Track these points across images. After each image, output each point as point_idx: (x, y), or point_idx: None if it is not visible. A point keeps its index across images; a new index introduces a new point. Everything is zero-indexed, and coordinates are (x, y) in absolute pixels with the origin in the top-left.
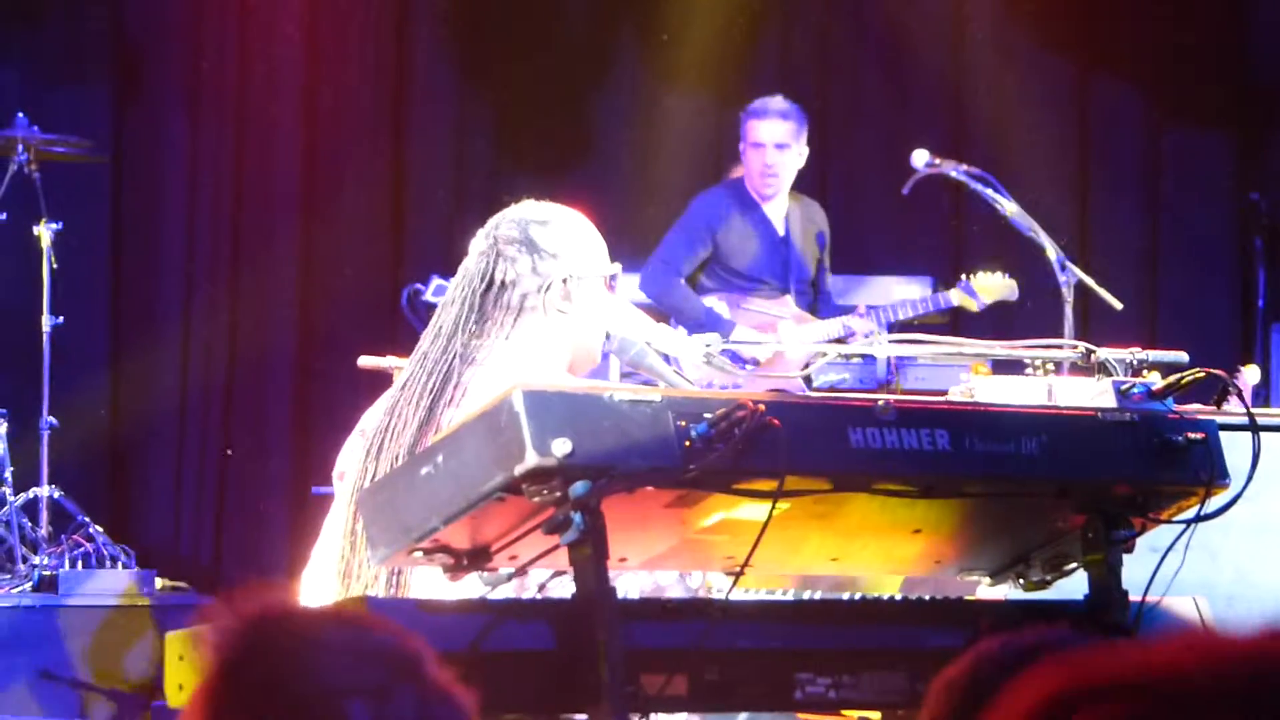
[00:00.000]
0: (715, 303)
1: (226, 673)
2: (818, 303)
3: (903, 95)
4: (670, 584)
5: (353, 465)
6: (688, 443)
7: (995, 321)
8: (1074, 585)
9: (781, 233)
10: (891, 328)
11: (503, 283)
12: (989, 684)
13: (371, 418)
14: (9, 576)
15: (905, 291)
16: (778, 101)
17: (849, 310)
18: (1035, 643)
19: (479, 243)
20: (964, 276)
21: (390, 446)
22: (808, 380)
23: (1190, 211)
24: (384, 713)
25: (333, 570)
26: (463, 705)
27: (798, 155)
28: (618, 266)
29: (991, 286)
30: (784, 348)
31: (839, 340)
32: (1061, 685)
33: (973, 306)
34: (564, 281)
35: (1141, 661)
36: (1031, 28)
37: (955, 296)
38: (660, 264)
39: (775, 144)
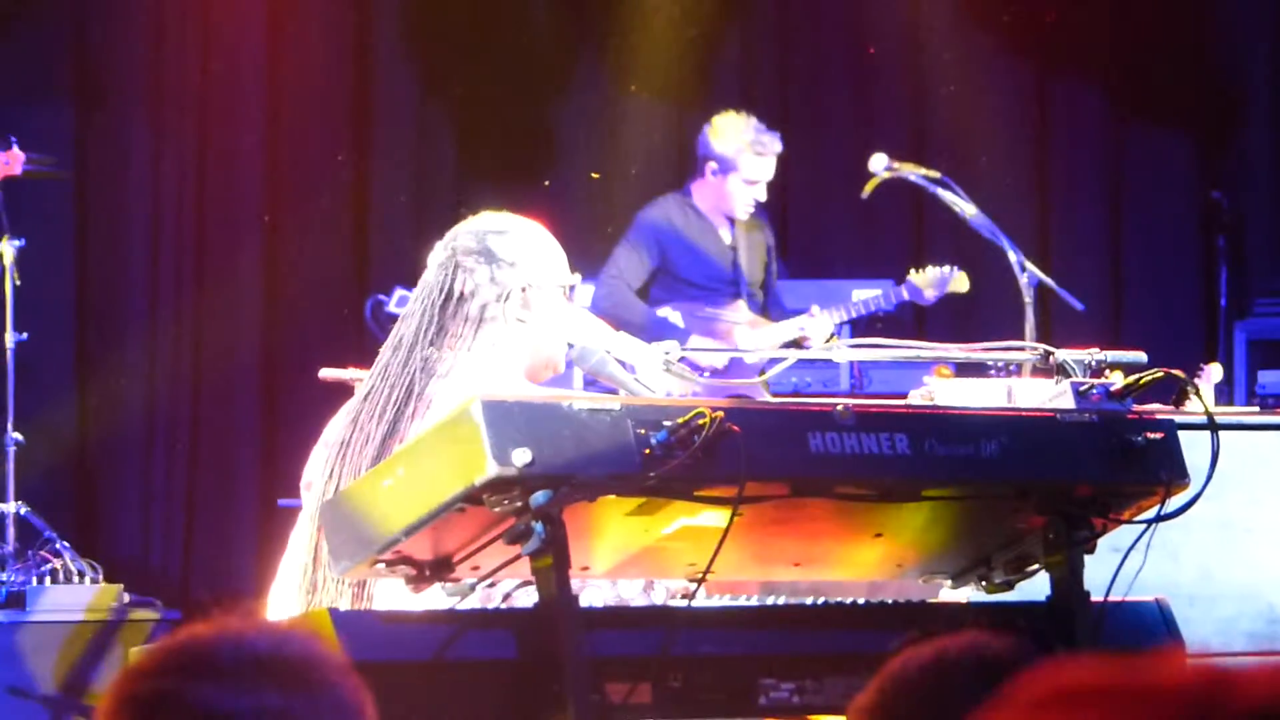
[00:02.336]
0: (669, 313)
1: (120, 699)
2: (767, 306)
3: (863, 99)
4: (634, 595)
5: (317, 476)
6: (647, 450)
7: (957, 324)
8: (1036, 587)
9: (728, 240)
10: (850, 327)
11: (461, 294)
12: (895, 705)
13: (334, 428)
14: None
15: (862, 293)
16: (777, 141)
17: (801, 312)
18: (934, 656)
19: (437, 254)
20: (911, 271)
21: (353, 459)
22: (767, 385)
23: (1152, 211)
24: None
25: (297, 583)
26: (364, 716)
27: None
28: (577, 277)
29: (933, 279)
30: (742, 353)
31: (795, 344)
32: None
33: (925, 299)
34: (523, 290)
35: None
36: (991, 29)
37: (903, 293)
38: (610, 279)
39: (768, 181)
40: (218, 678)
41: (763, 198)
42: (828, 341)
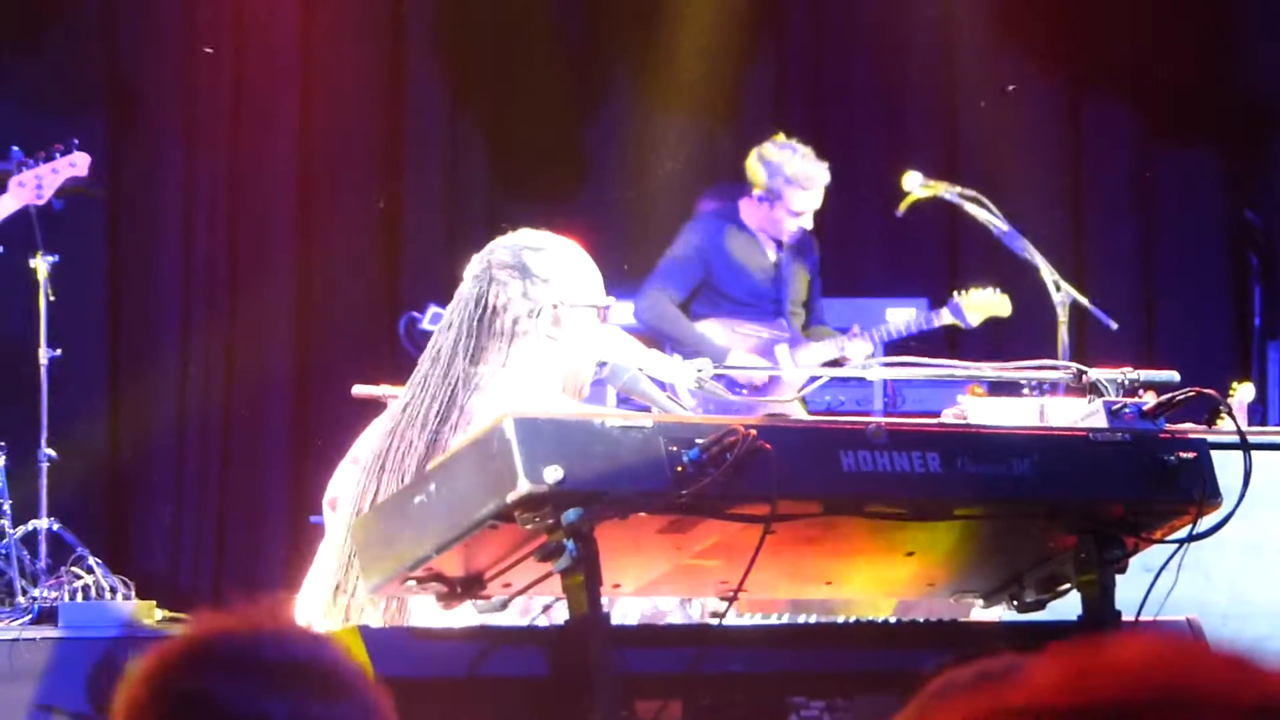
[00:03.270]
0: (710, 327)
1: (150, 691)
2: (810, 324)
3: (896, 118)
4: (671, 609)
5: (346, 491)
6: (679, 468)
7: (991, 342)
8: (1068, 606)
9: (773, 257)
10: (886, 348)
11: (495, 307)
12: None
13: (365, 444)
14: (9, 609)
15: (899, 313)
16: (823, 173)
17: (843, 331)
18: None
19: (473, 267)
20: (955, 293)
21: (393, 468)
22: (804, 402)
23: (1185, 230)
24: (258, 714)
25: (328, 597)
26: (358, 707)
27: None
28: (611, 300)
29: (980, 304)
30: (779, 371)
31: (835, 362)
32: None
33: (963, 324)
34: (554, 307)
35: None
36: (1023, 49)
37: (944, 316)
38: (654, 290)
39: (810, 214)
40: (259, 677)
41: (809, 226)
42: (866, 360)
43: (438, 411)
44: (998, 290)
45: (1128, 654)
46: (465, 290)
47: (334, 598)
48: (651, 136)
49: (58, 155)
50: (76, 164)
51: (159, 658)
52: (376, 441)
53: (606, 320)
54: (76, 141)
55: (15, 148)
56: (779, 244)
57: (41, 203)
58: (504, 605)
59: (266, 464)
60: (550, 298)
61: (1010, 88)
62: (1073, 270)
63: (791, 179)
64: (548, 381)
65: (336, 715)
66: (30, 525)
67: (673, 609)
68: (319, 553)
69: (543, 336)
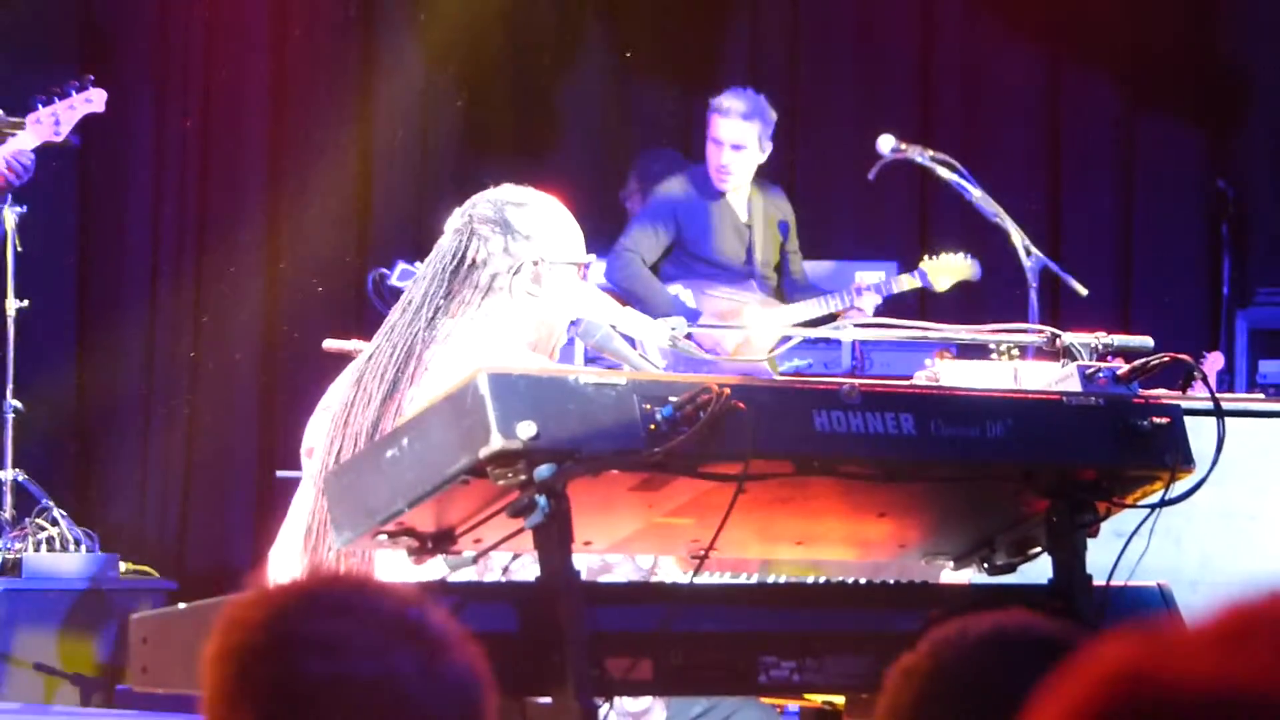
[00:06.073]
0: (680, 290)
1: (260, 634)
2: (783, 288)
3: (871, 82)
4: (618, 562)
5: (319, 441)
6: (653, 426)
7: (962, 308)
8: (1038, 570)
9: (744, 219)
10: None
11: (474, 261)
12: (950, 671)
13: (335, 392)
14: None
15: (869, 275)
16: (741, 102)
17: (822, 293)
18: (992, 628)
19: (454, 220)
20: (925, 257)
21: (355, 419)
22: (773, 364)
23: (1161, 199)
24: (387, 664)
25: (299, 548)
26: (467, 662)
27: (756, 155)
28: (591, 257)
29: (947, 267)
30: (750, 332)
31: (823, 320)
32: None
33: (935, 288)
34: (534, 264)
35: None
36: (1001, 16)
37: (903, 282)
38: (625, 251)
39: (732, 144)
40: (384, 628)
41: (733, 168)
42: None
43: (396, 361)
44: (966, 255)
45: None
46: (444, 243)
47: (305, 547)
48: (625, 97)
49: (73, 92)
50: (93, 100)
51: (271, 603)
52: (343, 391)
53: (586, 278)
54: (92, 78)
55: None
56: (750, 204)
57: (59, 139)
58: (475, 560)
59: (233, 418)
60: (531, 254)
61: None
62: (1049, 238)
63: (714, 106)
64: (516, 338)
65: (452, 672)
66: None
67: (620, 561)
68: (294, 502)
69: (522, 293)
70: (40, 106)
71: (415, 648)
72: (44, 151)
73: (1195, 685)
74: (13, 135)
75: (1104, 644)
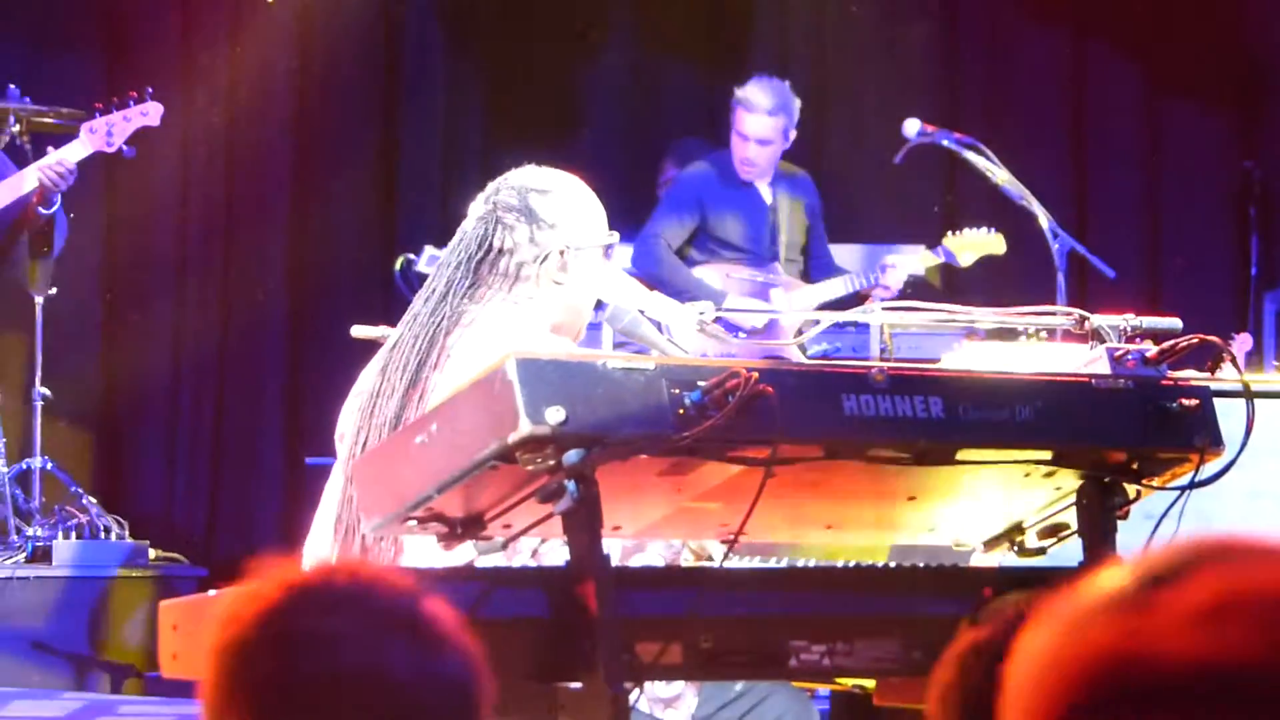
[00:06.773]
0: (705, 273)
1: (253, 630)
2: (810, 270)
3: (898, 66)
4: (652, 542)
5: (350, 427)
6: (681, 410)
7: (990, 292)
8: (1069, 552)
9: (769, 202)
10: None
11: (499, 249)
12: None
13: (366, 378)
14: (2, 548)
15: (897, 259)
16: (766, 97)
17: (848, 274)
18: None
19: (478, 207)
20: (949, 233)
21: (379, 411)
22: (802, 348)
23: (1188, 181)
24: (380, 659)
25: (329, 535)
26: (461, 654)
27: (780, 146)
28: (615, 235)
29: (972, 242)
30: (778, 314)
31: (843, 304)
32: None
33: (959, 262)
34: (560, 253)
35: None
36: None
37: (927, 258)
38: (650, 237)
39: (757, 140)
40: (377, 623)
41: (757, 160)
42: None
43: (420, 351)
44: (991, 230)
45: None
46: (468, 229)
47: (336, 536)
48: (650, 82)
49: (131, 103)
50: (149, 113)
51: (263, 598)
52: (372, 378)
53: (611, 257)
54: (151, 90)
55: (12, 86)
56: (774, 187)
57: (112, 150)
58: (504, 546)
59: (261, 404)
60: (557, 243)
61: None
62: (1076, 220)
63: (738, 100)
64: (540, 323)
65: (447, 666)
66: (24, 464)
67: (653, 542)
68: (326, 488)
69: (548, 282)
70: (98, 115)
71: (409, 642)
72: (69, 138)
73: (1179, 664)
74: (67, 141)
75: (1084, 623)
